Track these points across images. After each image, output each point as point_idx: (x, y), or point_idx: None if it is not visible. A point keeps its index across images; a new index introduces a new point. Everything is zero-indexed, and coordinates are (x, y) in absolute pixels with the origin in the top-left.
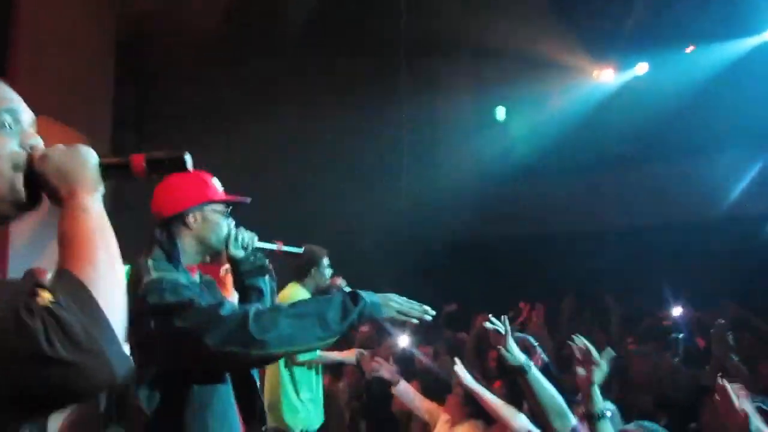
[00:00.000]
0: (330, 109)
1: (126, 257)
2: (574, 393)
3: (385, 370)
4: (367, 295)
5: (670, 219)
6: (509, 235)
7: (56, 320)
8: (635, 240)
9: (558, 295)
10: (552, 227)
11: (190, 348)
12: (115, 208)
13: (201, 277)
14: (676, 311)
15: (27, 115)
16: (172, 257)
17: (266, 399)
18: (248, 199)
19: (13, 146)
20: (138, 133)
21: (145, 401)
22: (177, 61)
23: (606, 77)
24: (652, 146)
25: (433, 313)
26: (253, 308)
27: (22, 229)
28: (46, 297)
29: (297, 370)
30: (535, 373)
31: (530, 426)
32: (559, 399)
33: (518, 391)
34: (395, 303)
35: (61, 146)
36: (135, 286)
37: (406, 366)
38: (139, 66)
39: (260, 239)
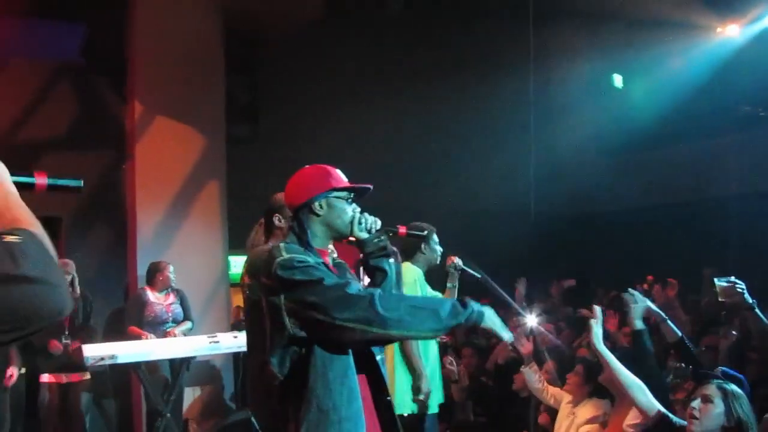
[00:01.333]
0: (445, 82)
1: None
2: (712, 367)
3: (525, 347)
4: (474, 304)
5: None
6: (631, 207)
7: (21, 249)
8: (764, 207)
9: (689, 267)
10: (676, 196)
11: (318, 320)
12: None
13: (333, 260)
14: None
15: None
16: (304, 242)
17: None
18: (370, 186)
19: None
20: (253, 125)
21: (277, 366)
22: (288, 51)
23: (731, 32)
24: None
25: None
26: (378, 291)
27: (148, 220)
28: (11, 237)
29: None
30: (610, 356)
31: (657, 404)
32: (635, 378)
33: None
34: (492, 318)
35: None
36: (268, 265)
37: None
38: (250, 57)
39: (385, 220)
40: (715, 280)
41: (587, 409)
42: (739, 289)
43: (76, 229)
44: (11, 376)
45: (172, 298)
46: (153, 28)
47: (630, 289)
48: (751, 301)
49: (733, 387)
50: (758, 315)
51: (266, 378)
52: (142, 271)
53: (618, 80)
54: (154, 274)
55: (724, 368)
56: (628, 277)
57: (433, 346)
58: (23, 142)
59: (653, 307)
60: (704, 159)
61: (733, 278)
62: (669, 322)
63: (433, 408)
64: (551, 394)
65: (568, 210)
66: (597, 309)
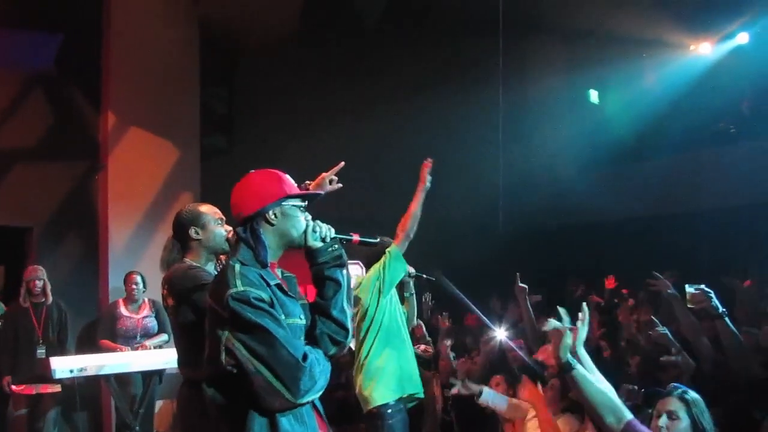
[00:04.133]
0: (423, 94)
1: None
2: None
3: (464, 388)
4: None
5: None
6: (603, 220)
7: None
8: (735, 220)
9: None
10: (649, 210)
11: (252, 371)
12: None
13: (282, 273)
14: None
15: None
16: (260, 256)
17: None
18: (322, 193)
19: None
20: (227, 137)
21: (212, 394)
22: (263, 63)
23: (704, 50)
24: (757, 121)
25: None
26: (314, 357)
27: (121, 231)
28: None
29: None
30: (582, 371)
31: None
32: (610, 394)
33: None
34: None
35: None
36: (219, 290)
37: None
38: (225, 69)
39: (361, 229)
40: (686, 286)
41: (560, 425)
42: (708, 297)
43: (47, 239)
44: None
45: (146, 311)
46: (128, 39)
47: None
48: (721, 309)
49: (693, 395)
50: (727, 323)
51: (201, 402)
52: (113, 282)
53: (594, 95)
54: (124, 285)
55: (675, 384)
56: (599, 289)
57: (408, 340)
58: None
59: (669, 335)
60: (677, 174)
61: (703, 286)
62: (685, 353)
63: (405, 394)
64: (512, 404)
65: (542, 223)
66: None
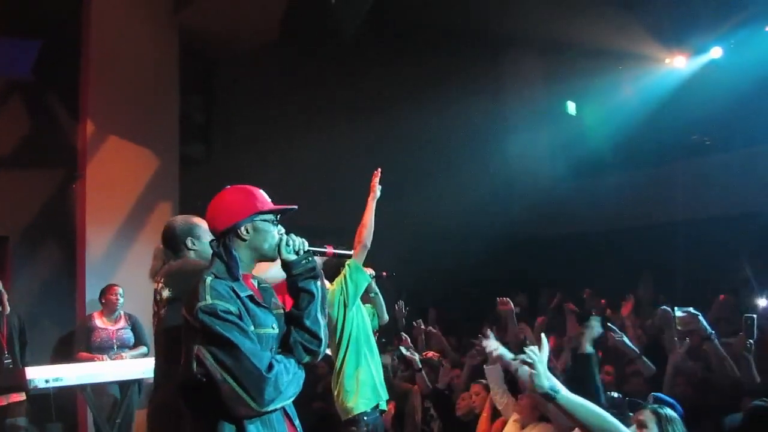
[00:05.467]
0: (402, 105)
1: None
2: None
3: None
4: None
5: (748, 209)
6: (581, 231)
7: None
8: (709, 232)
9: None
10: (625, 221)
11: (219, 381)
12: None
13: (259, 283)
14: (761, 303)
15: None
16: (232, 269)
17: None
18: (295, 207)
19: None
20: (206, 145)
21: (186, 399)
22: (242, 72)
23: (678, 63)
24: (730, 134)
25: None
26: (281, 366)
27: (98, 241)
28: None
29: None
30: (566, 395)
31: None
32: (603, 414)
33: None
34: None
35: None
36: (191, 302)
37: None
38: (204, 78)
39: (335, 242)
40: (675, 309)
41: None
42: (698, 319)
43: (23, 249)
44: None
45: (121, 323)
46: (107, 47)
47: (592, 317)
48: (710, 331)
49: (667, 411)
50: (716, 345)
51: (176, 409)
52: (91, 292)
53: (571, 107)
54: (101, 296)
55: (656, 394)
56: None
57: (374, 345)
58: None
59: (628, 343)
60: (652, 185)
61: (691, 309)
62: (626, 338)
63: (382, 405)
64: (507, 401)
65: (520, 232)
66: (526, 356)
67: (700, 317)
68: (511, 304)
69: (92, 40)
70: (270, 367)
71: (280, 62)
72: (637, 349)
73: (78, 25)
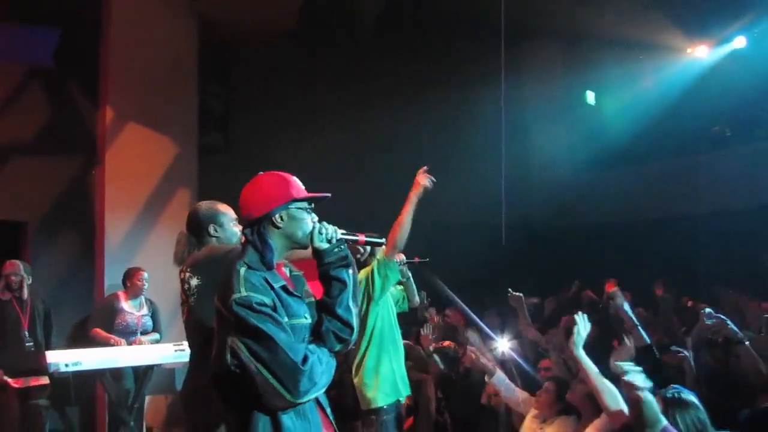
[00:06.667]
0: (421, 95)
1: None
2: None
3: (486, 360)
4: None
5: None
6: (600, 222)
7: None
8: (729, 224)
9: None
10: (646, 212)
11: (254, 374)
12: None
13: (291, 271)
14: None
15: None
16: (266, 258)
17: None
18: (329, 195)
19: None
20: (224, 134)
21: (219, 392)
22: (260, 61)
23: (700, 53)
24: (751, 125)
25: None
26: (316, 357)
27: (117, 228)
28: None
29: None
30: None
31: (623, 406)
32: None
33: None
34: None
35: None
36: (224, 293)
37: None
38: (223, 67)
39: (363, 230)
40: (704, 317)
41: (556, 427)
42: (726, 325)
43: (42, 234)
44: None
45: (145, 309)
46: (127, 35)
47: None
48: (740, 335)
49: (682, 395)
50: (749, 348)
51: (208, 398)
52: (110, 278)
53: (591, 97)
54: (126, 279)
55: (677, 386)
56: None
57: (400, 340)
58: None
59: (629, 311)
60: (674, 176)
61: (720, 315)
62: (640, 328)
63: (402, 400)
64: (521, 399)
65: (538, 225)
66: (578, 317)
67: (728, 322)
68: (523, 297)
69: (112, 28)
70: (305, 359)
71: (299, 51)
72: (634, 317)
73: (98, 13)
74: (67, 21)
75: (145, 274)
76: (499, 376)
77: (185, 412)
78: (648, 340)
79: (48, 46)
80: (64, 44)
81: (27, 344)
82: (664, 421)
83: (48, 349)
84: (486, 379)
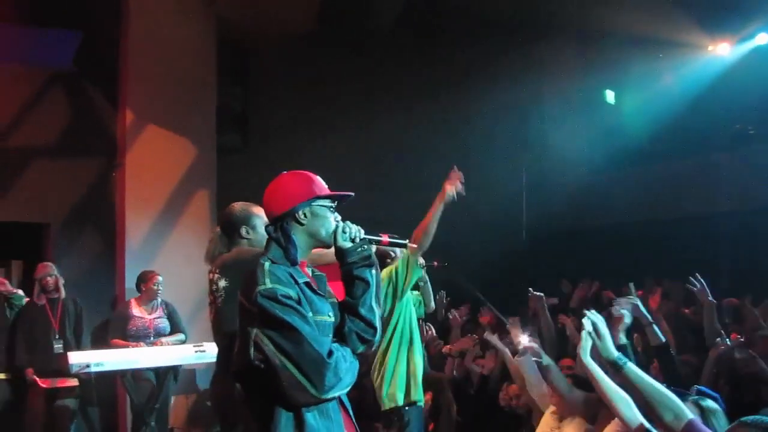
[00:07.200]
0: (435, 97)
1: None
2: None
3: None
4: None
5: None
6: (620, 221)
7: None
8: (751, 224)
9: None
10: (666, 212)
11: (279, 367)
12: None
13: (313, 271)
14: None
15: None
16: (290, 255)
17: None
18: (352, 194)
19: None
20: (243, 135)
21: (241, 388)
22: (279, 62)
23: (722, 51)
24: None
25: None
26: (340, 354)
27: (137, 229)
28: None
29: None
30: (633, 366)
31: (641, 418)
32: (666, 391)
33: None
34: None
35: None
36: (249, 287)
37: None
38: (241, 67)
39: (382, 231)
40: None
41: (574, 425)
42: (639, 308)
43: (64, 236)
44: None
45: (159, 312)
46: (146, 37)
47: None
48: (650, 318)
49: (709, 402)
50: None
51: (236, 393)
52: (130, 279)
53: (610, 96)
54: (141, 283)
55: (699, 387)
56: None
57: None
58: (15, 148)
59: (642, 309)
60: (695, 175)
61: (632, 299)
62: (655, 326)
63: (420, 400)
64: (542, 393)
65: (558, 225)
66: (586, 321)
67: (639, 304)
68: (544, 297)
69: (131, 31)
70: (330, 352)
71: (317, 51)
72: (649, 316)
73: (117, 16)
74: (87, 25)
75: (160, 278)
76: (528, 358)
77: (216, 414)
78: (663, 339)
79: (68, 49)
80: (84, 48)
81: (56, 345)
82: (689, 414)
83: (79, 350)
84: (515, 358)
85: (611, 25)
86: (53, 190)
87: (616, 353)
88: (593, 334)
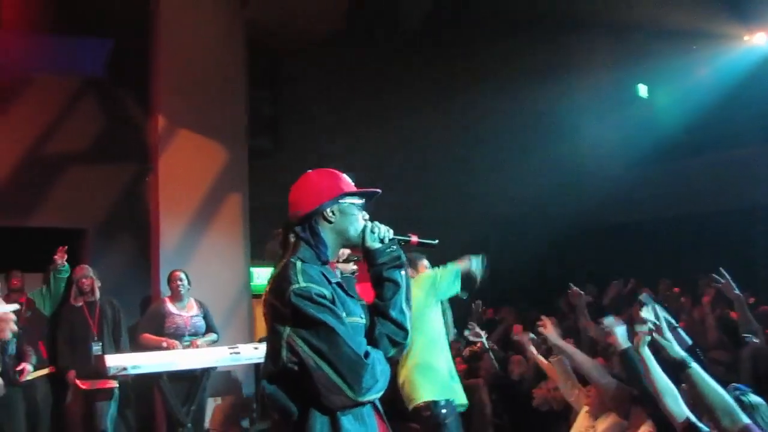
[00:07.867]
0: (470, 93)
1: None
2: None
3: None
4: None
5: None
6: (656, 217)
7: None
8: None
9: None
10: (702, 206)
11: (314, 367)
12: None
13: (341, 273)
14: None
15: None
16: (321, 254)
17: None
18: (379, 191)
19: None
20: (274, 138)
21: (273, 392)
22: (309, 65)
23: (758, 41)
24: None
25: None
26: (377, 356)
27: (172, 232)
28: None
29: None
30: (697, 369)
31: (687, 412)
32: (727, 396)
33: None
34: None
35: None
36: (281, 287)
37: None
38: (271, 71)
39: (401, 229)
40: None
41: (609, 421)
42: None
43: (100, 240)
44: (23, 370)
45: (195, 310)
46: (176, 43)
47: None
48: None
49: (752, 397)
50: None
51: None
52: (165, 282)
53: (643, 90)
54: (168, 283)
55: (735, 385)
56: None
57: (445, 346)
58: (49, 156)
59: (664, 313)
60: (730, 169)
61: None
62: (680, 329)
63: (456, 400)
64: (577, 393)
65: (590, 220)
66: (644, 311)
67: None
68: (583, 294)
69: (162, 38)
70: (367, 354)
71: (347, 54)
72: (674, 320)
73: (148, 23)
74: (118, 33)
75: (181, 274)
76: (561, 359)
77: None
78: (690, 341)
79: (100, 57)
80: (116, 55)
81: (95, 347)
82: (745, 419)
83: (118, 352)
84: (549, 359)
85: (642, 17)
86: (90, 196)
87: (683, 353)
88: (655, 328)
